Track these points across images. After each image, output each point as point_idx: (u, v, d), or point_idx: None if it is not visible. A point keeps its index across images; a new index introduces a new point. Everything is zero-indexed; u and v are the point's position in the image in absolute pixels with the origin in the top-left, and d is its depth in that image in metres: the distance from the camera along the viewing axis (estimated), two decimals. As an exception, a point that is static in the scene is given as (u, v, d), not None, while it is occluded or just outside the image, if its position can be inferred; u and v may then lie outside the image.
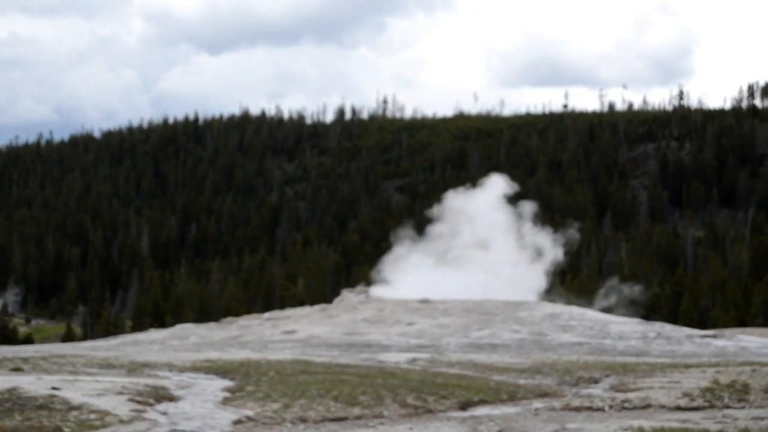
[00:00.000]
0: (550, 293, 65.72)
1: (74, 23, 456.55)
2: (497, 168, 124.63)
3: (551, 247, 67.94)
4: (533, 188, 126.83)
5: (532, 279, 64.18)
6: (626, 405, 22.22)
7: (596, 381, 28.24)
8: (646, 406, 22.09)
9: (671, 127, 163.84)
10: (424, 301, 53.06)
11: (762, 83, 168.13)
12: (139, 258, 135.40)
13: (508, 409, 22.33)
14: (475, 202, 68.15)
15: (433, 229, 67.41)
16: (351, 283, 76.02)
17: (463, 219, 66.67)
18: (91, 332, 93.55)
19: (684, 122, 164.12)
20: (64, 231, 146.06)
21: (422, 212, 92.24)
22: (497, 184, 70.01)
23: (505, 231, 66.65)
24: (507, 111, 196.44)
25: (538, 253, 66.28)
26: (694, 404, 22.11)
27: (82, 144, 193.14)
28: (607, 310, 64.46)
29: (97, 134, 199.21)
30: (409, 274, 62.96)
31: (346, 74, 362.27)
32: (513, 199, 69.12)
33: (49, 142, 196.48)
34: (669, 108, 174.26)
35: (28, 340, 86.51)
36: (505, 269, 63.71)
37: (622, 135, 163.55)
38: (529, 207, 69.63)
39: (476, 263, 63.68)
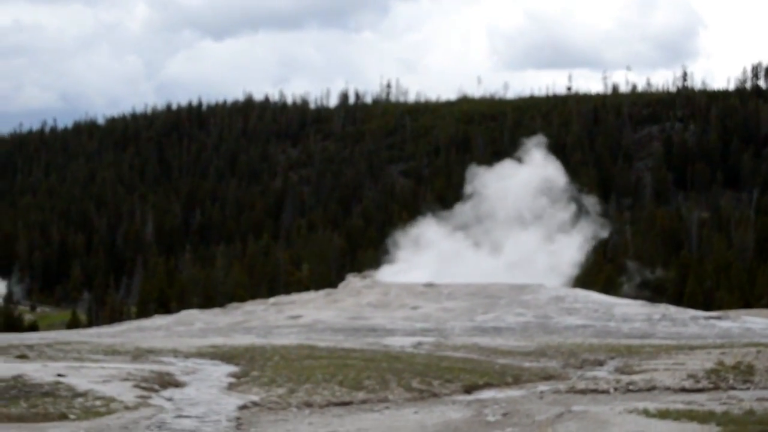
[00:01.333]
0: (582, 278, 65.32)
1: (78, 10, 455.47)
2: (502, 151, 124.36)
3: (600, 227, 67.61)
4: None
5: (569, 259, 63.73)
6: (631, 387, 22.23)
7: (601, 363, 28.27)
8: (651, 388, 22.11)
9: (675, 109, 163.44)
10: (429, 285, 53.06)
11: (766, 64, 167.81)
12: (143, 244, 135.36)
13: (513, 392, 22.35)
14: (517, 177, 67.27)
15: (466, 208, 66.81)
16: (356, 268, 75.86)
17: (500, 195, 65.96)
18: (96, 319, 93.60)
19: (688, 104, 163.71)
20: (68, 218, 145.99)
21: (429, 194, 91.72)
22: (536, 158, 69.22)
23: (545, 207, 66.19)
24: (511, 94, 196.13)
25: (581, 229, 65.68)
26: (699, 386, 22.13)
27: (86, 131, 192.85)
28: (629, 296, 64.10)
29: (101, 121, 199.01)
30: (439, 254, 62.74)
31: (350, 58, 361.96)
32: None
33: (53, 130, 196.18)
34: (673, 89, 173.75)
35: (33, 327, 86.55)
36: (544, 250, 63.30)
37: (626, 117, 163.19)
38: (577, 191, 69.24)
39: (512, 243, 63.34)
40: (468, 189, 67.64)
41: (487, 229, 64.59)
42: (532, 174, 67.10)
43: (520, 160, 69.02)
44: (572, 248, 64.13)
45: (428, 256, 62.73)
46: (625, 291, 72.27)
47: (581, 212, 67.64)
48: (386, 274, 60.69)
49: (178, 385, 21.75)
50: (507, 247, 63.11)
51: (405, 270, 60.69)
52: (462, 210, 66.70)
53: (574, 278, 63.70)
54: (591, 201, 70.12)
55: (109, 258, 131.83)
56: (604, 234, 70.27)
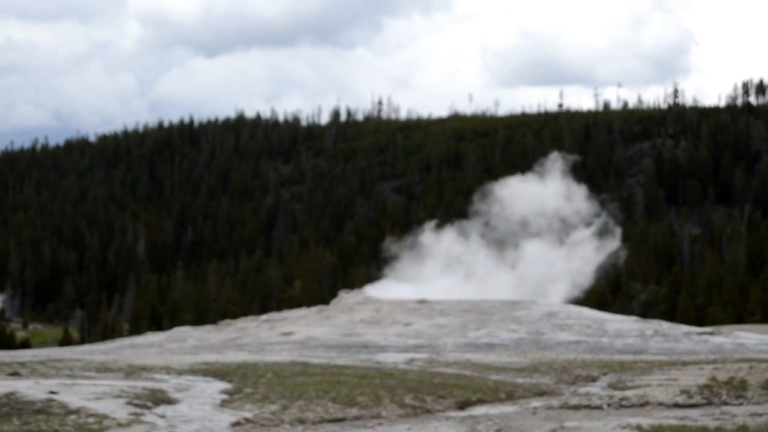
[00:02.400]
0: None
1: (70, 28, 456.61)
2: (493, 169, 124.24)
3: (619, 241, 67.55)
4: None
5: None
6: (624, 403, 22.22)
7: (594, 379, 28.24)
8: (644, 404, 22.10)
9: (666, 125, 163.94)
10: (422, 302, 53.03)
11: (756, 80, 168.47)
12: (135, 261, 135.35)
13: (506, 409, 22.32)
14: (536, 190, 66.96)
15: (483, 221, 66.53)
16: (348, 284, 75.72)
17: (518, 208, 65.66)
18: (88, 336, 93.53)
19: (679, 120, 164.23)
20: (60, 235, 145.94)
21: (420, 211, 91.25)
22: (555, 173, 68.91)
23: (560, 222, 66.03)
24: (502, 111, 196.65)
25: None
26: (692, 401, 22.11)
27: (77, 148, 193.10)
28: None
29: (92, 138, 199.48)
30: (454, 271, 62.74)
31: (342, 75, 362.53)
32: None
33: (45, 147, 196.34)
34: (664, 106, 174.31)
35: (25, 344, 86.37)
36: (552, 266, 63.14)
37: (617, 134, 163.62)
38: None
39: (529, 256, 63.21)
40: (485, 201, 67.36)
41: (505, 241, 64.56)
42: (551, 188, 66.94)
43: (540, 174, 68.68)
44: (589, 262, 64.06)
45: (441, 269, 62.77)
46: (634, 309, 72.35)
47: (599, 226, 67.51)
48: (402, 290, 60.05)
49: (170, 402, 21.68)
50: (524, 261, 63.08)
51: (418, 286, 60.43)
52: (478, 223, 66.65)
53: (589, 292, 63.94)
54: (612, 211, 70.03)
55: (101, 275, 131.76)
56: (623, 250, 70.34)
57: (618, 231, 68.09)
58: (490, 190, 67.32)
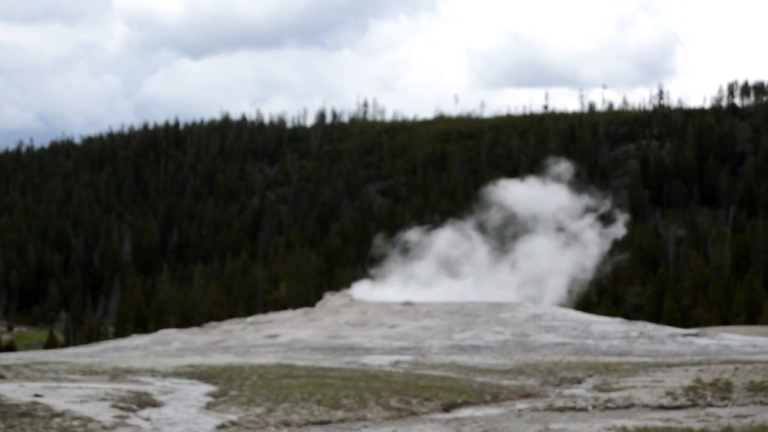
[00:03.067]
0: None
1: (56, 29, 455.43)
2: (478, 170, 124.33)
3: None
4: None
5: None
6: (609, 405, 22.24)
7: (579, 381, 28.25)
8: (630, 406, 22.12)
9: (652, 127, 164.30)
10: (407, 304, 52.92)
11: (741, 82, 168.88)
12: (120, 264, 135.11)
13: (491, 411, 22.32)
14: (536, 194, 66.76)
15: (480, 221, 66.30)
16: (333, 287, 75.54)
17: (517, 210, 65.40)
18: (73, 339, 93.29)
19: (664, 122, 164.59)
20: (45, 238, 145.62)
21: (406, 212, 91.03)
22: (562, 169, 68.75)
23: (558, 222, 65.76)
24: (487, 112, 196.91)
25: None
26: (677, 403, 22.14)
27: (62, 151, 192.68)
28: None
29: (77, 141, 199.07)
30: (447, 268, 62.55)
31: (328, 77, 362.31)
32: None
33: (30, 149, 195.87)
34: (649, 108, 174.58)
35: (10, 347, 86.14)
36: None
37: (602, 135, 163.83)
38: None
39: (528, 256, 63.03)
40: (483, 204, 67.08)
41: (504, 240, 64.38)
42: (553, 195, 66.75)
43: (542, 179, 68.50)
44: (592, 253, 63.76)
45: (436, 270, 62.57)
46: (619, 311, 72.36)
47: (605, 210, 67.39)
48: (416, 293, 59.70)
49: (155, 404, 21.64)
50: (524, 258, 62.86)
51: (418, 287, 60.23)
52: (474, 224, 66.41)
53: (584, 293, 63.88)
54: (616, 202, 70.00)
55: (87, 277, 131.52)
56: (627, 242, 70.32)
57: (624, 217, 68.06)
58: (489, 193, 67.07)
